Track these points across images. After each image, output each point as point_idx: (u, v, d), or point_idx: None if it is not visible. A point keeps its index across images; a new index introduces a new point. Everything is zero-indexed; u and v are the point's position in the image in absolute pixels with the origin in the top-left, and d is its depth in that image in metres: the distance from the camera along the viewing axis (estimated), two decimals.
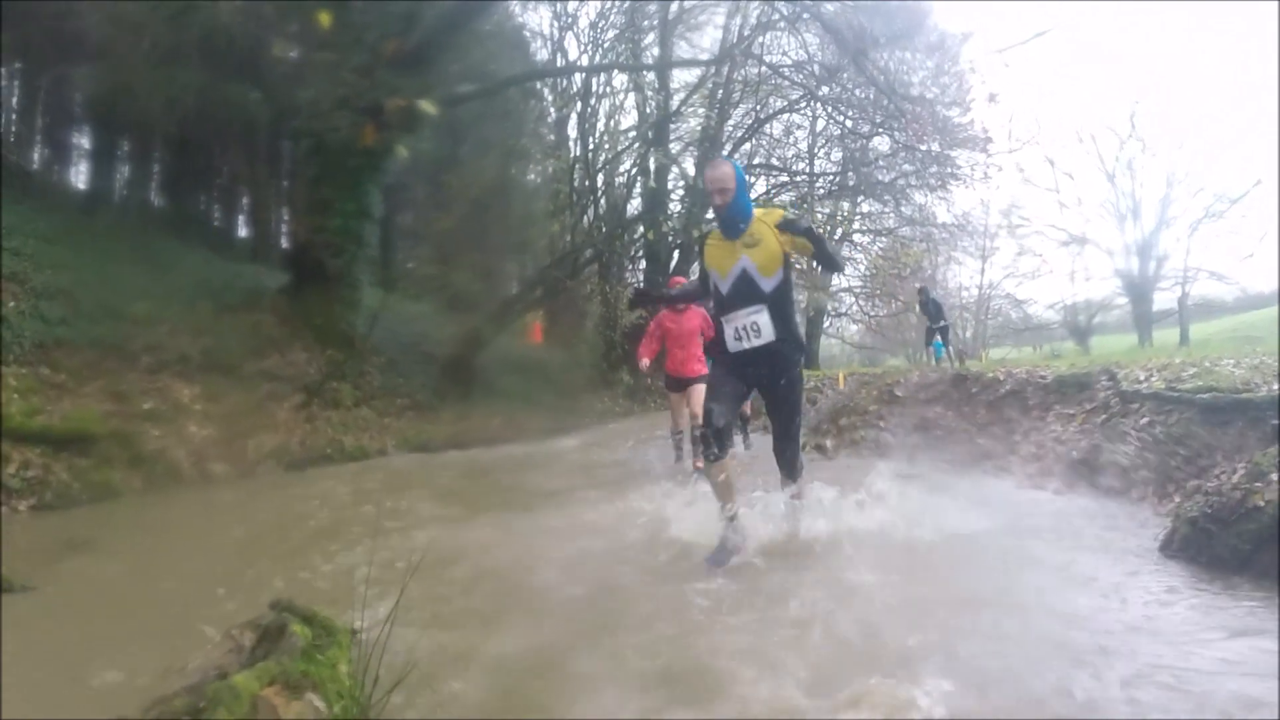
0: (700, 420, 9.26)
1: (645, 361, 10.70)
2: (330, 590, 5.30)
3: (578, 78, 27.02)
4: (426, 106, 15.15)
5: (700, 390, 9.84)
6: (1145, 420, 8.17)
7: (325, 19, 14.22)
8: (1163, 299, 51.01)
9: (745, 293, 5.86)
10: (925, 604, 4.78)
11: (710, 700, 3.45)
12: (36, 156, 20.39)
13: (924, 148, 24.18)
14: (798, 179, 32.90)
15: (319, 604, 4.11)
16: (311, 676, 2.98)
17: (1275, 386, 7.31)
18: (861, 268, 38.45)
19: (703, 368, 10.54)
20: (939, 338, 24.01)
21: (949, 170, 26.81)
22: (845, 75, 22.23)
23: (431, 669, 3.67)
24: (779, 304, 5.88)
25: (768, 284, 5.82)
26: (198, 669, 3.36)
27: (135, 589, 5.50)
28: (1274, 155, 64.56)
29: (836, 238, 37.92)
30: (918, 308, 24.83)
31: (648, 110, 28.33)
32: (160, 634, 4.50)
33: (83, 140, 21.08)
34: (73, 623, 4.80)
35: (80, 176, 21.21)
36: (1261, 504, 5.10)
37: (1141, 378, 9.29)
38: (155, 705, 2.83)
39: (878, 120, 24.19)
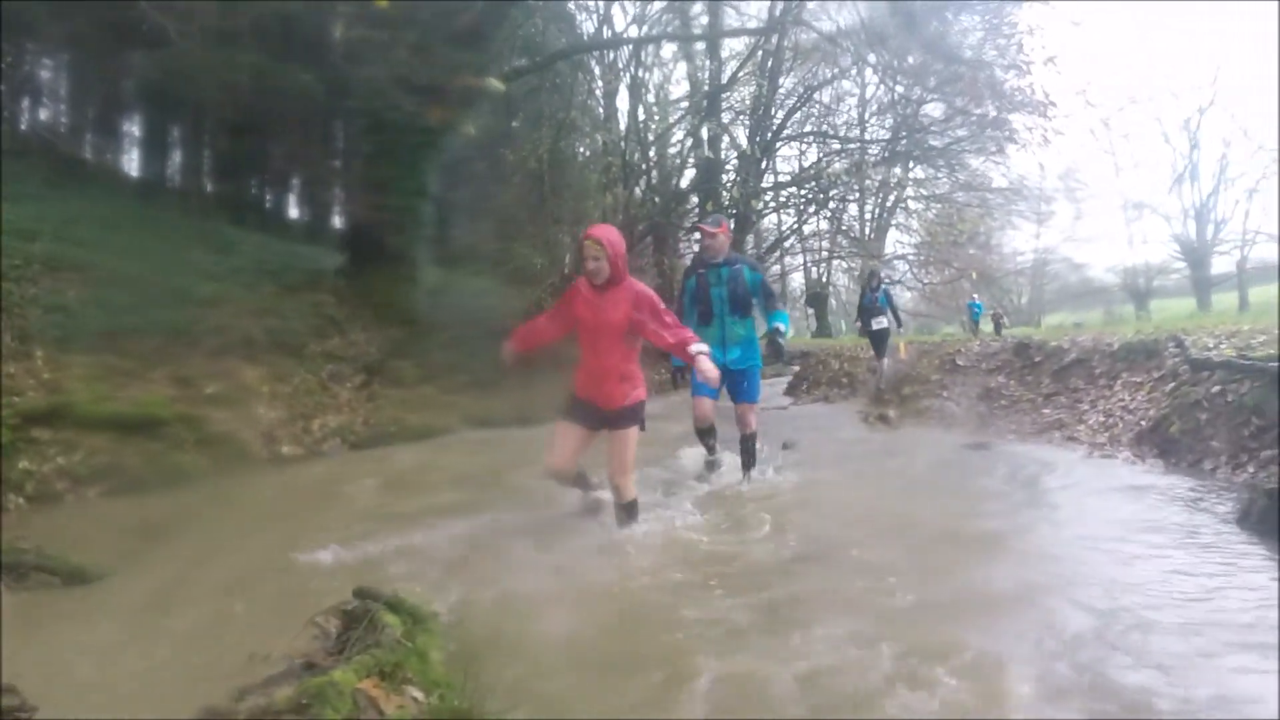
0: (624, 496, 6.22)
1: (509, 348, 6.41)
2: (405, 570, 5.28)
3: (626, 49, 26.90)
4: (494, 84, 15.12)
5: (626, 442, 6.19)
6: (1216, 389, 8.10)
7: (383, 1, 14.15)
8: (1221, 263, 50.59)
9: None
10: (998, 576, 4.81)
11: None
12: (90, 145, 20.57)
13: (979, 111, 23.82)
14: (849, 146, 32.65)
15: (393, 582, 4.10)
16: (406, 667, 2.96)
17: None
18: (915, 235, 38.30)
19: (635, 392, 6.19)
20: (875, 348, 17.37)
21: (1005, 134, 26.43)
22: (896, 41, 21.87)
23: (519, 651, 3.62)
24: None
25: None
26: (283, 656, 3.35)
27: (212, 572, 5.51)
28: None
29: (889, 204, 37.85)
30: (860, 297, 17.69)
31: (699, 79, 28.20)
32: (241, 618, 4.51)
33: (134, 128, 21.25)
34: (153, 609, 4.81)
35: (134, 164, 21.39)
36: None
37: (1210, 345, 9.26)
38: (245, 695, 2.83)
39: (931, 85, 23.86)
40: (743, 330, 7.92)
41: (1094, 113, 48.33)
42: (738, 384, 7.96)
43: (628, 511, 6.18)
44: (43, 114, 18.99)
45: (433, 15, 15.12)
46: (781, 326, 7.88)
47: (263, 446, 10.66)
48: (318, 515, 7.46)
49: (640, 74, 27.95)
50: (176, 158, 20.94)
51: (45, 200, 11.99)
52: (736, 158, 29.41)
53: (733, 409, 8.05)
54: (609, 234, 6.05)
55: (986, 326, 32.99)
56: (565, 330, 6.30)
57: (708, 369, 5.78)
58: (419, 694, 2.87)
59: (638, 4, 27.07)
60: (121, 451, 8.96)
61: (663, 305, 6.10)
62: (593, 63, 26.51)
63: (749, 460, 8.11)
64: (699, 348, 5.85)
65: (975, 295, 36.64)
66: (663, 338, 5.97)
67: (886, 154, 31.58)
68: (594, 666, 3.74)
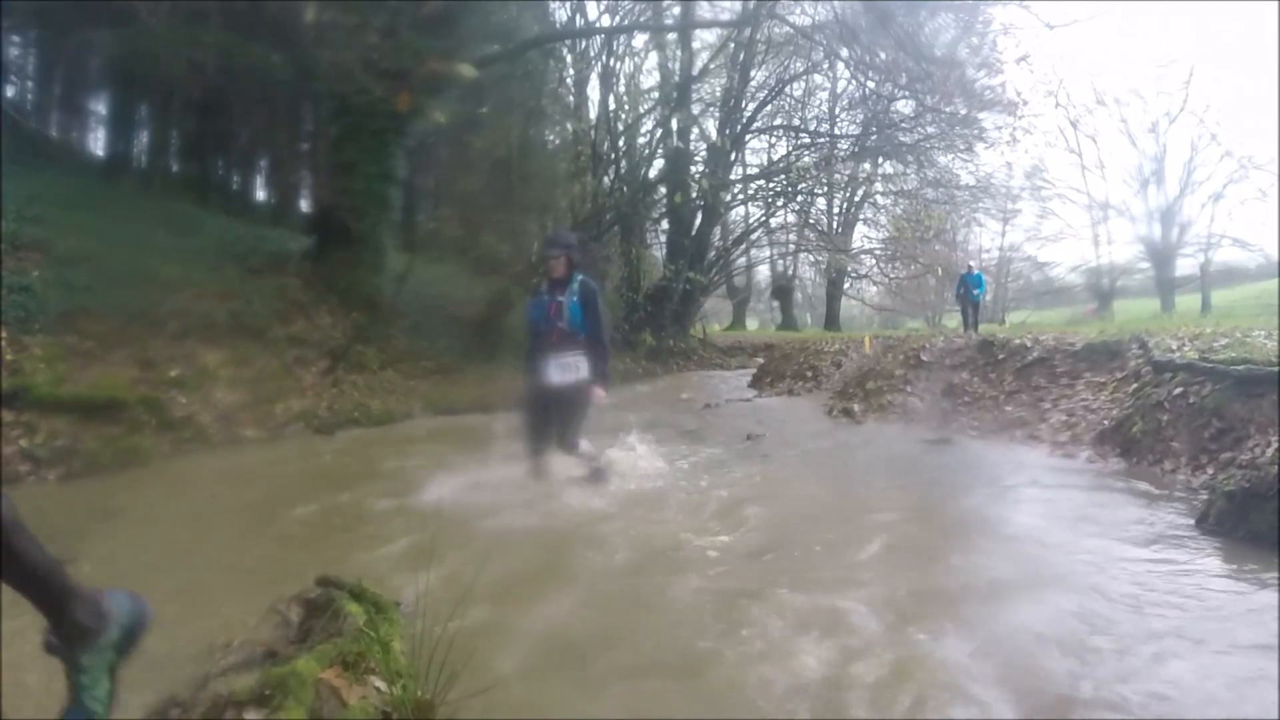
0: None
1: None
2: (367, 557, 5.25)
3: (598, 38, 26.81)
4: (464, 70, 14.93)
5: None
6: (1178, 391, 8.11)
7: None
8: (1185, 264, 51.12)
9: None
10: (962, 569, 4.79)
11: None
12: (55, 123, 20.37)
13: (949, 109, 23.90)
14: (819, 140, 32.68)
15: (356, 571, 4.06)
16: (368, 657, 2.92)
17: None
18: (882, 230, 38.42)
19: None
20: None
21: (975, 133, 26.52)
22: (868, 37, 21.86)
23: (482, 642, 3.59)
24: None
25: None
26: (244, 644, 3.30)
27: (171, 558, 5.44)
28: None
29: (857, 199, 37.95)
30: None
31: (670, 69, 28.15)
32: (201, 605, 4.45)
33: (100, 106, 21.08)
34: None
35: (99, 143, 21.21)
36: None
37: (1174, 347, 9.27)
38: (206, 684, 2.78)
39: (902, 82, 23.89)
40: None
41: (1062, 113, 48.57)
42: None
43: None
44: (9, 91, 18.81)
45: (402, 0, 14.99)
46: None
47: (220, 430, 10.57)
48: (281, 500, 7.38)
49: (611, 63, 27.94)
50: (143, 137, 20.71)
51: (9, 178, 11.81)
52: (706, 149, 29.40)
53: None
54: None
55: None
56: None
57: None
58: (381, 684, 2.82)
59: None
60: (81, 434, 8.85)
61: None
62: (565, 51, 26.44)
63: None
64: None
65: (973, 265, 27.96)
66: None
67: (856, 149, 31.62)
68: (554, 655, 3.73)
